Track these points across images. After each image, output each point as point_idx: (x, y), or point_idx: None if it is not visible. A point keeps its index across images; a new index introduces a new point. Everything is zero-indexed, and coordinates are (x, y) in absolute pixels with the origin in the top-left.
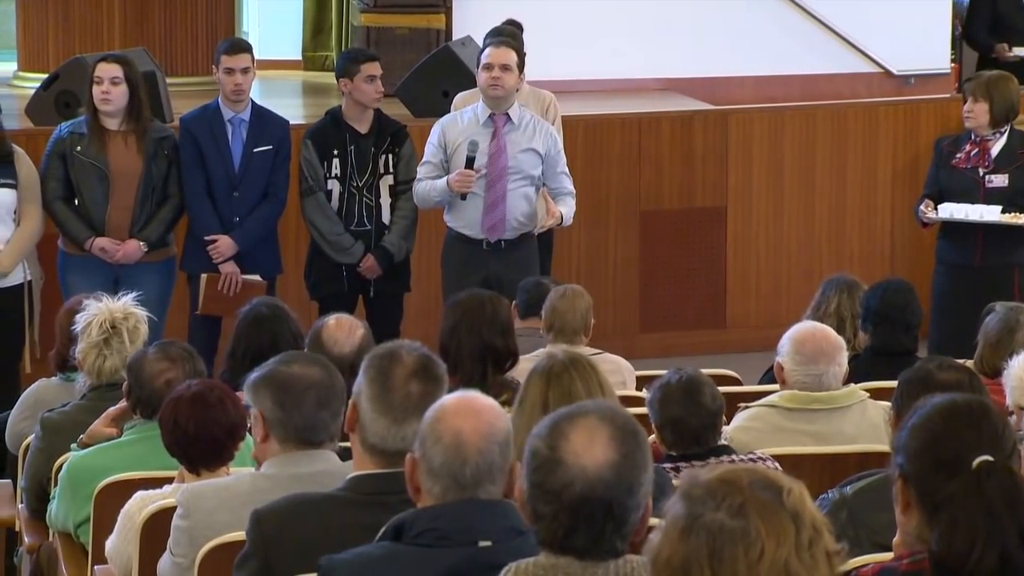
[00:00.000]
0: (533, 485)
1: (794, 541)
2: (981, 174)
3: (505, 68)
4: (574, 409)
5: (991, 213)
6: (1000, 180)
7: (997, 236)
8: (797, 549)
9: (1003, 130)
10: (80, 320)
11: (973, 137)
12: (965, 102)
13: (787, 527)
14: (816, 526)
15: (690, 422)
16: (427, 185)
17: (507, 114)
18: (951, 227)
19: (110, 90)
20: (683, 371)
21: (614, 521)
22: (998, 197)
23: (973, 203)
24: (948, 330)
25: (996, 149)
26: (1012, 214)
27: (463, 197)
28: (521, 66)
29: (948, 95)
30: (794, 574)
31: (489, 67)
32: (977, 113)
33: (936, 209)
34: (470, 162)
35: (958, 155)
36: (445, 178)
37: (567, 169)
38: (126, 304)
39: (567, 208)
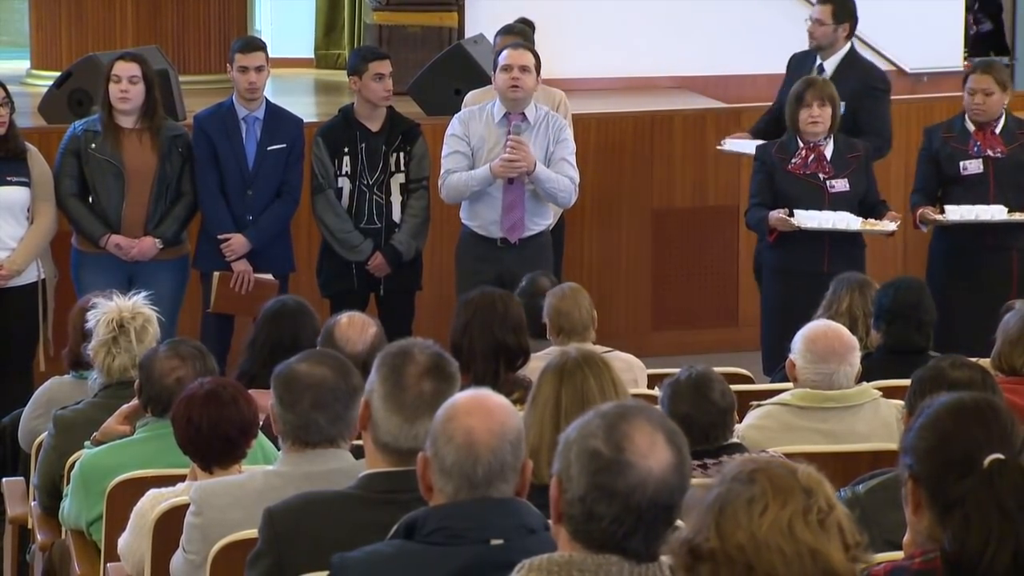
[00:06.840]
0: (596, 487)
1: (802, 505)
2: (822, 179)
3: (524, 70)
4: (622, 409)
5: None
6: (841, 184)
7: (842, 243)
8: (804, 512)
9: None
10: (91, 318)
11: (807, 142)
12: (806, 108)
13: (796, 493)
14: (830, 503)
15: (699, 419)
16: (463, 176)
17: (523, 113)
18: (799, 235)
19: (128, 89)
20: (694, 368)
21: (669, 524)
22: (843, 202)
23: (820, 209)
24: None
25: (828, 154)
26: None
27: (510, 181)
28: (538, 68)
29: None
30: (798, 535)
31: (508, 68)
32: (825, 118)
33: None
34: None
35: (793, 160)
36: (487, 165)
37: (573, 160)
38: (135, 303)
39: (552, 175)
